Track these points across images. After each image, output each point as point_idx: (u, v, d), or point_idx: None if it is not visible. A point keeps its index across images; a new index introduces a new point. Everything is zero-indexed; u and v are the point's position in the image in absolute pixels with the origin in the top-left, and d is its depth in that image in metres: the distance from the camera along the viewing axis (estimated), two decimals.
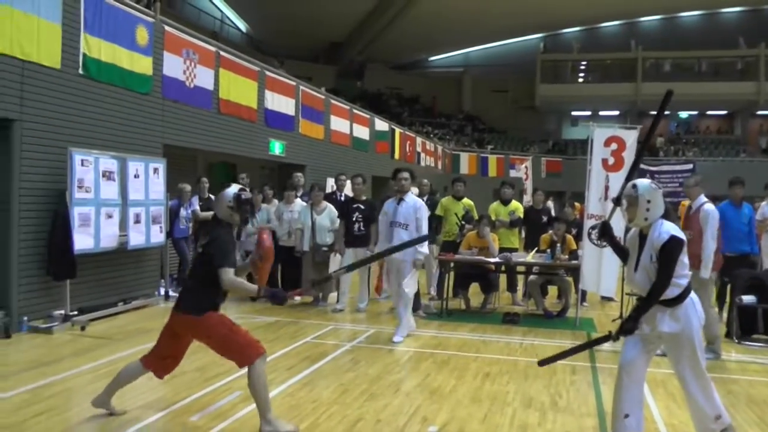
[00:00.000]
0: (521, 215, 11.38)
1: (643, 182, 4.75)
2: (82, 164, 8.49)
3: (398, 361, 7.33)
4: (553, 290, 11.50)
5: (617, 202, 4.98)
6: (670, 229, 4.56)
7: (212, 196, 11.98)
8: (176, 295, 10.24)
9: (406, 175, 8.59)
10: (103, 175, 8.90)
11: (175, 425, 5.09)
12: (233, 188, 5.12)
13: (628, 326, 4.58)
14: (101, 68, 9.10)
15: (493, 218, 11.09)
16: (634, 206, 4.66)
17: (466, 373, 6.83)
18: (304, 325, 9.06)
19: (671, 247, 4.49)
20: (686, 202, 18.14)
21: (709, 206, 7.75)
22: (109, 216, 9.06)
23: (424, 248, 8.57)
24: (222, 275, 4.81)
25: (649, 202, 4.62)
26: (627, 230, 5.53)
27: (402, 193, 8.55)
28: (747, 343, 8.74)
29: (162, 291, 10.54)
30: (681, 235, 4.59)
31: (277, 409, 5.38)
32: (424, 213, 8.59)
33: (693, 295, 4.70)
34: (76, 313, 8.48)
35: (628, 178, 4.90)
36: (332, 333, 8.72)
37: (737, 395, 6.40)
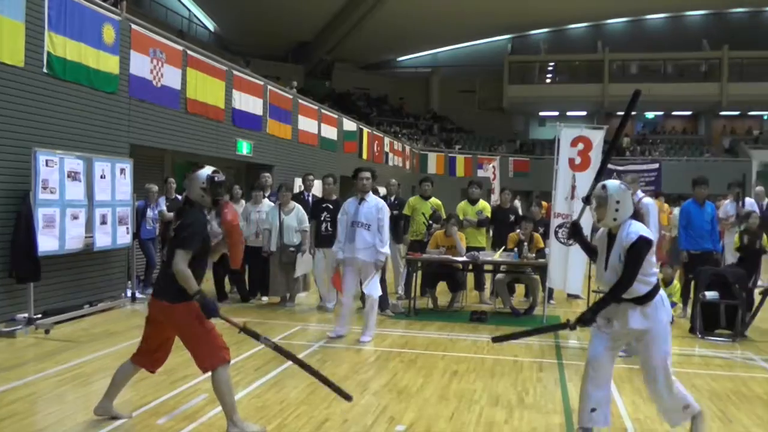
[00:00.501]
0: (489, 214, 11.46)
1: (612, 183, 4.83)
2: (47, 164, 8.38)
3: (366, 360, 7.35)
4: (520, 288, 11.60)
5: (587, 201, 5.05)
6: (638, 229, 4.64)
7: (179, 197, 11.92)
8: (143, 296, 10.29)
9: (367, 174, 8.50)
10: (69, 176, 8.79)
11: (142, 428, 5.05)
12: (207, 169, 5.02)
13: (586, 317, 4.70)
14: (66, 67, 9.00)
15: (461, 217, 11.16)
16: (603, 206, 4.74)
17: (434, 372, 6.87)
18: (271, 325, 9.03)
19: (639, 247, 4.58)
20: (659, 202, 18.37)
21: (648, 200, 7.96)
22: (75, 217, 8.95)
23: (386, 249, 8.55)
24: (176, 256, 4.74)
25: (618, 202, 4.70)
26: (595, 229, 5.61)
27: (363, 193, 8.47)
28: (710, 338, 8.92)
29: (129, 293, 10.44)
30: (650, 235, 4.68)
31: (244, 410, 5.38)
32: (386, 214, 8.52)
33: (662, 292, 4.81)
34: (40, 316, 8.33)
35: (597, 179, 4.97)
36: (300, 333, 8.72)
37: (700, 389, 6.51)
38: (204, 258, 5.00)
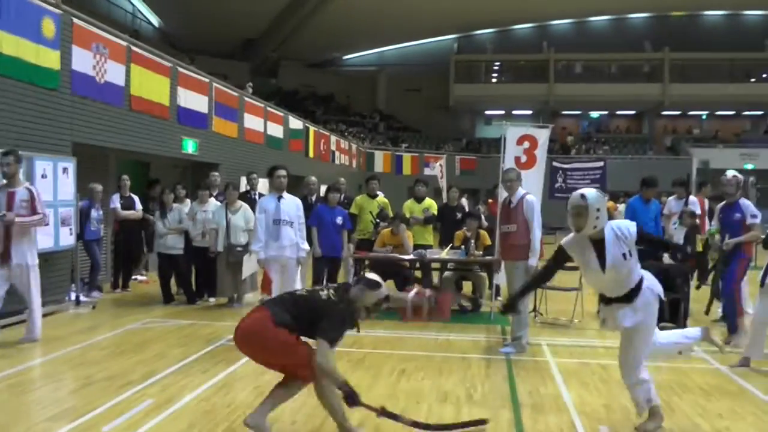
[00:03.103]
0: (435, 212, 11.52)
1: (590, 192, 4.92)
2: None
3: None
4: (467, 286, 11.67)
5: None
6: (626, 222, 4.95)
7: (133, 195, 11.77)
8: (87, 300, 10.09)
9: (284, 172, 8.56)
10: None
11: None
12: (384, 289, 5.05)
13: (510, 304, 5.11)
14: (3, 62, 8.67)
15: (408, 216, 11.20)
16: (583, 216, 4.82)
17: (382, 371, 6.87)
18: (218, 327, 8.90)
19: (644, 231, 4.95)
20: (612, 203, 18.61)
21: (531, 197, 8.02)
22: None
23: (306, 245, 8.68)
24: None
25: (598, 210, 4.82)
26: None
27: (280, 191, 8.51)
28: None
29: (72, 296, 10.18)
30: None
31: (192, 414, 5.32)
32: (302, 211, 8.69)
33: (645, 274, 5.02)
34: None
35: None
36: None
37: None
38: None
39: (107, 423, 5.13)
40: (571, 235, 5.01)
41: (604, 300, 5.10)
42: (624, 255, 4.82)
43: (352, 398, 4.80)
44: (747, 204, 8.23)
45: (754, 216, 8.23)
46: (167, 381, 6.28)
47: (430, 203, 11.54)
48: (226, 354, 7.42)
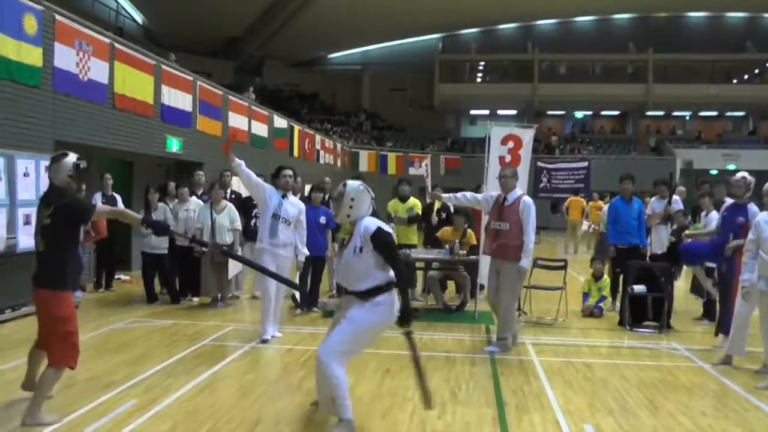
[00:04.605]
0: (419, 212, 11.52)
1: (351, 183, 5.17)
2: None
3: (297, 360, 7.29)
4: (451, 285, 11.68)
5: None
6: (376, 223, 5.00)
7: (116, 195, 11.64)
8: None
9: (290, 172, 8.43)
10: None
11: None
12: (71, 157, 5.22)
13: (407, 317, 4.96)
14: None
15: (392, 215, 11.21)
16: (339, 202, 5.11)
17: (366, 370, 6.86)
18: (202, 327, 8.87)
19: (382, 235, 4.93)
20: (593, 202, 18.73)
21: (529, 199, 8.02)
22: None
23: (306, 251, 8.58)
24: (94, 211, 5.34)
25: (353, 200, 5.05)
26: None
27: (286, 191, 8.37)
28: (638, 330, 9.22)
29: None
30: (389, 229, 5.04)
31: (175, 415, 5.29)
32: (305, 216, 8.57)
33: (393, 295, 5.05)
34: None
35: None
36: (233, 334, 8.60)
37: (629, 379, 6.73)
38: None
39: (90, 424, 5.09)
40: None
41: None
42: (355, 249, 4.97)
43: (157, 225, 6.01)
44: (755, 211, 7.60)
45: None
46: (151, 381, 6.23)
47: (414, 203, 11.53)
48: (210, 354, 7.40)
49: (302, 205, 8.58)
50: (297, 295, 9.98)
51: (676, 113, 44.08)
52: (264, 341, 8.04)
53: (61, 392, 5.71)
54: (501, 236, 7.91)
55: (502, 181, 8.15)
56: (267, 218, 8.18)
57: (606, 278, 10.75)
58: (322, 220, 10.11)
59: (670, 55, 40.64)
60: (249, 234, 10.56)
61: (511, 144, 9.84)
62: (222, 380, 6.42)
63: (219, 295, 10.51)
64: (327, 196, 11.14)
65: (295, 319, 9.62)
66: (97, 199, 11.16)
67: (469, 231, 10.72)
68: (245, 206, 10.94)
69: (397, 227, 11.11)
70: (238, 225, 10.41)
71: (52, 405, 5.40)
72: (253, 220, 10.54)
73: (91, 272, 12.08)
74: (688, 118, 44.66)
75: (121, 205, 11.40)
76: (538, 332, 9.11)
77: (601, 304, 10.39)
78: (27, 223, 9.05)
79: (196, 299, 10.77)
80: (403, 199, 11.53)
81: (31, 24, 9.45)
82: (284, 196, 8.33)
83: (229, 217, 10.34)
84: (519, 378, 6.75)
